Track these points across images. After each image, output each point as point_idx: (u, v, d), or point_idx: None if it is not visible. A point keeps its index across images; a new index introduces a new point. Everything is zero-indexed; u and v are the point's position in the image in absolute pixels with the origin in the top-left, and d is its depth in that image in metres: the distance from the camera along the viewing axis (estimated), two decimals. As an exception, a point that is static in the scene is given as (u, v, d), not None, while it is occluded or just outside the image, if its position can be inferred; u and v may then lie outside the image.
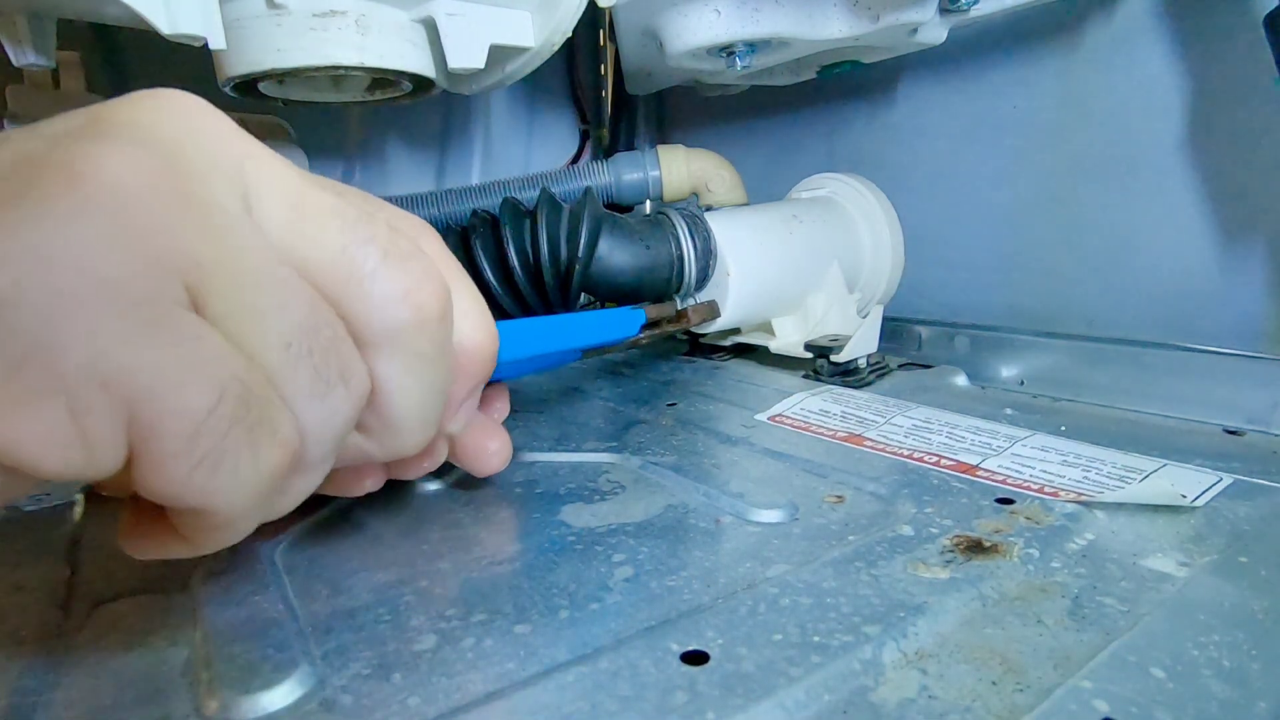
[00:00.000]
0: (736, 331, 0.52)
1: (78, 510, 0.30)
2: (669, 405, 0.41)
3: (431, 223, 0.30)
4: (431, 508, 0.29)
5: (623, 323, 0.37)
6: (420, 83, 0.42)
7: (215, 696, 0.18)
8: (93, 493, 0.31)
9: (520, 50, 0.41)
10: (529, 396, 0.43)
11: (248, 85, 0.38)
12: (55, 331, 0.13)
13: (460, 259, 0.24)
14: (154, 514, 0.17)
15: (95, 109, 0.16)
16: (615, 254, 0.44)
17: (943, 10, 0.42)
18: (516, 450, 0.30)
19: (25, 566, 0.26)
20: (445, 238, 0.23)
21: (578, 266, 0.42)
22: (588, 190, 0.46)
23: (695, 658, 0.19)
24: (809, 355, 0.45)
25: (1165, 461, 0.30)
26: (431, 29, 0.38)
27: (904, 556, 0.23)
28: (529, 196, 0.51)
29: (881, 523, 0.26)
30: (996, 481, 0.29)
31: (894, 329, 0.51)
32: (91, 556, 0.26)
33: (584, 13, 0.40)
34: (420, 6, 0.37)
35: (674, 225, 0.46)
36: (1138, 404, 0.39)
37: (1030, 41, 0.47)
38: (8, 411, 0.13)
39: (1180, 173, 0.41)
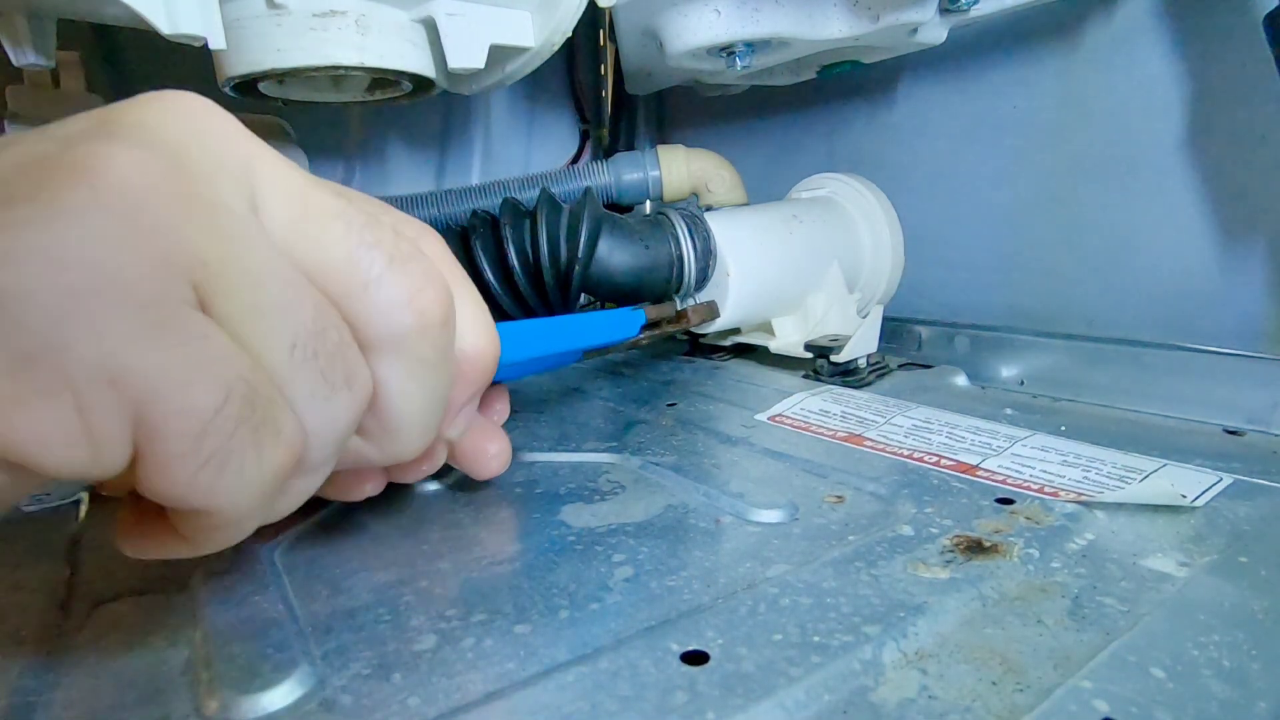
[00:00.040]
0: (736, 332, 0.52)
1: (82, 510, 0.30)
2: (669, 405, 0.41)
3: (431, 223, 0.30)
4: (431, 508, 0.29)
5: (623, 323, 0.37)
6: (420, 83, 0.42)
7: (215, 696, 0.18)
8: (94, 493, 0.31)
9: (520, 50, 0.41)
10: (529, 397, 0.43)
11: (248, 85, 0.38)
12: (63, 330, 0.13)
13: (460, 259, 0.24)
14: (153, 514, 0.17)
15: (103, 111, 0.16)
16: (615, 254, 0.44)
17: (943, 10, 0.42)
18: (516, 450, 0.30)
19: (25, 566, 0.26)
20: (445, 238, 0.24)
21: (577, 267, 0.42)
22: (588, 190, 0.46)
23: (695, 658, 0.19)
24: (809, 355, 0.45)
25: (1165, 461, 0.30)
26: (431, 29, 0.38)
27: (904, 556, 0.23)
28: (529, 197, 0.51)
29: (881, 523, 0.26)
30: (996, 481, 0.29)
31: (894, 329, 0.51)
32: (91, 556, 0.26)
33: (584, 13, 0.40)
34: (420, 6, 0.37)
35: (674, 225, 0.46)
36: (1138, 404, 0.39)
37: (1030, 41, 0.47)
38: (14, 409, 0.13)
39: (1180, 173, 0.41)
